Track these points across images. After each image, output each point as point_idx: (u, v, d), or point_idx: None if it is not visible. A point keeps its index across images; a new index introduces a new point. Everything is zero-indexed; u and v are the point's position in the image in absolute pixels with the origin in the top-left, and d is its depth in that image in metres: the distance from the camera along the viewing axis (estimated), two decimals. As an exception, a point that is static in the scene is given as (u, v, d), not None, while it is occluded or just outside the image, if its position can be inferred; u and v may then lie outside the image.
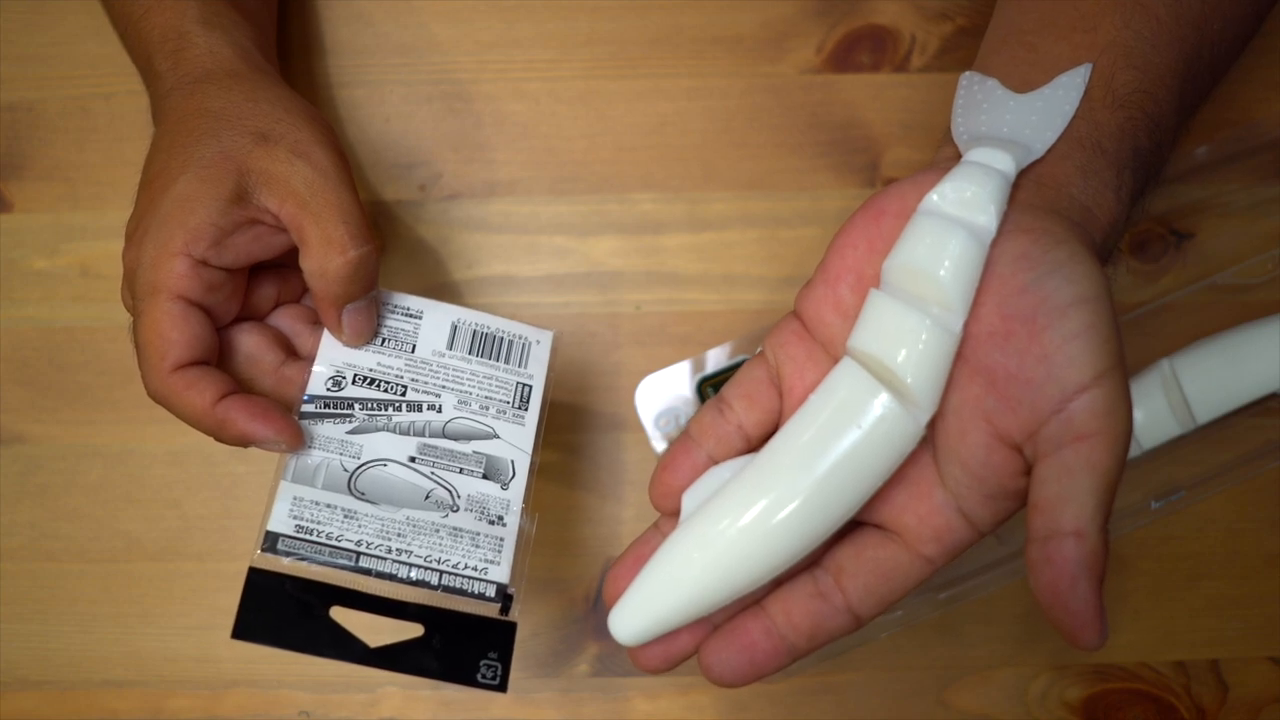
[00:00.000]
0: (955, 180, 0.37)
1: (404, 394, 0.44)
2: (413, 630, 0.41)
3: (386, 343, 0.45)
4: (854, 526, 0.39)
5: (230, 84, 0.45)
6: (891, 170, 0.57)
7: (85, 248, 0.58)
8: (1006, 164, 0.38)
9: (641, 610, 0.39)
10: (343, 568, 0.40)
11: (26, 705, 0.56)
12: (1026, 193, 0.38)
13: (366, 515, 0.41)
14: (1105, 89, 0.40)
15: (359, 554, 0.40)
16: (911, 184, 0.39)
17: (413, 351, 0.45)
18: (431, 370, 0.45)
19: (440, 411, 0.44)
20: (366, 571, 0.40)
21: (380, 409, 0.44)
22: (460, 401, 0.45)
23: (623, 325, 0.57)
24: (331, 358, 0.44)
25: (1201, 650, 0.56)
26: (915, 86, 0.58)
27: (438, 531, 0.41)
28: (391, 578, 0.40)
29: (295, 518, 0.40)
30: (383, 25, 0.58)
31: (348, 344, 0.45)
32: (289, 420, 0.41)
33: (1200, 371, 0.54)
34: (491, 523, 0.42)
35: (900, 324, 0.36)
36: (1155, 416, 0.54)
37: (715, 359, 0.55)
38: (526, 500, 0.43)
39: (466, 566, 0.41)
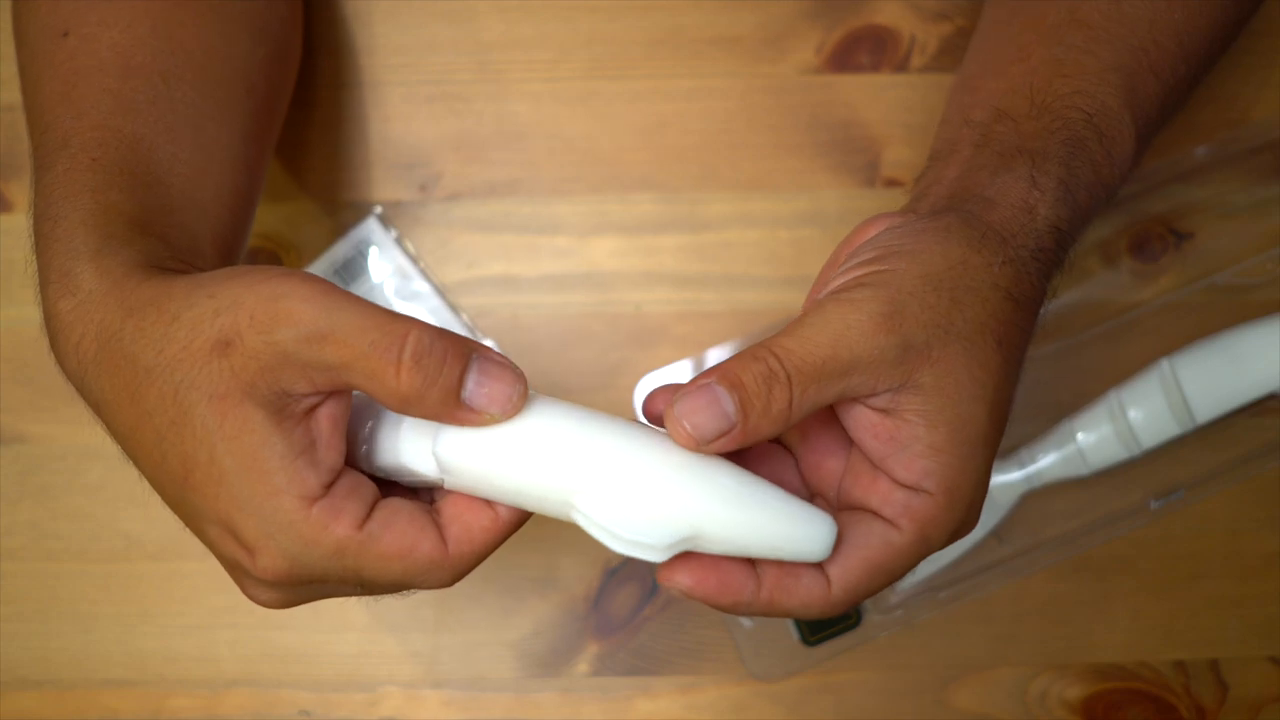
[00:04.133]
0: None
1: None
2: None
3: None
4: None
5: (137, 323, 0.35)
6: (891, 170, 0.57)
7: (85, 248, 0.57)
8: None
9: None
10: None
11: (26, 705, 0.56)
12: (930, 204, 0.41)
13: None
14: (1029, 102, 0.42)
15: None
16: (886, 217, 0.40)
17: None
18: None
19: None
20: None
21: None
22: None
23: (623, 325, 0.57)
24: None
25: (1201, 650, 0.56)
26: (915, 87, 0.58)
27: None
28: None
29: None
30: (383, 25, 0.58)
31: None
32: None
33: (1200, 371, 0.54)
34: None
35: None
36: (1155, 416, 0.54)
37: (715, 359, 0.55)
38: None
39: None
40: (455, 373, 0.34)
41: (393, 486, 0.37)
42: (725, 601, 0.35)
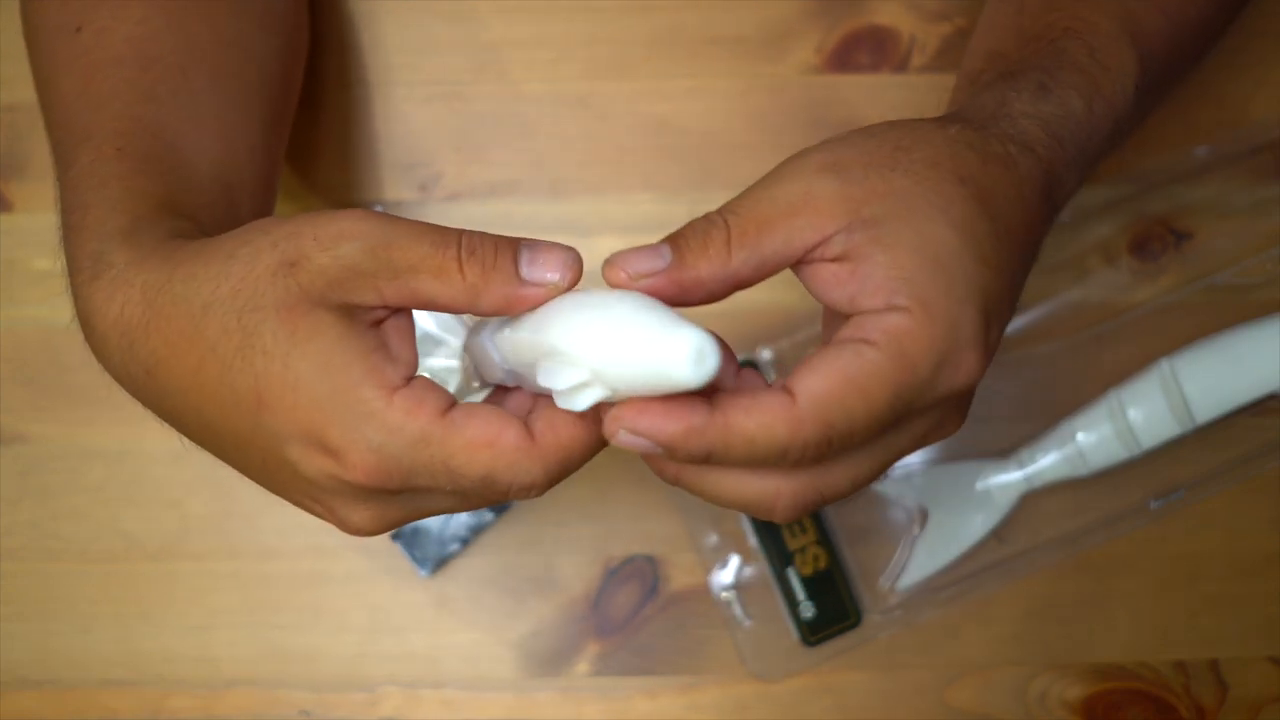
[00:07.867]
0: None
1: None
2: None
3: None
4: None
5: (188, 269, 0.35)
6: (891, 170, 0.57)
7: (85, 248, 0.58)
8: None
9: None
10: None
11: (26, 705, 0.56)
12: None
13: None
14: (1017, 36, 0.43)
15: None
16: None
17: None
18: None
19: None
20: None
21: None
22: None
23: (623, 325, 0.57)
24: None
25: (1201, 650, 0.56)
26: (915, 87, 0.58)
27: None
28: None
29: None
30: (383, 25, 0.58)
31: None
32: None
33: (1200, 371, 0.54)
34: None
35: None
36: (1155, 416, 0.54)
37: (715, 359, 0.55)
38: None
39: None
40: (509, 256, 0.36)
41: None
42: (676, 428, 0.33)
